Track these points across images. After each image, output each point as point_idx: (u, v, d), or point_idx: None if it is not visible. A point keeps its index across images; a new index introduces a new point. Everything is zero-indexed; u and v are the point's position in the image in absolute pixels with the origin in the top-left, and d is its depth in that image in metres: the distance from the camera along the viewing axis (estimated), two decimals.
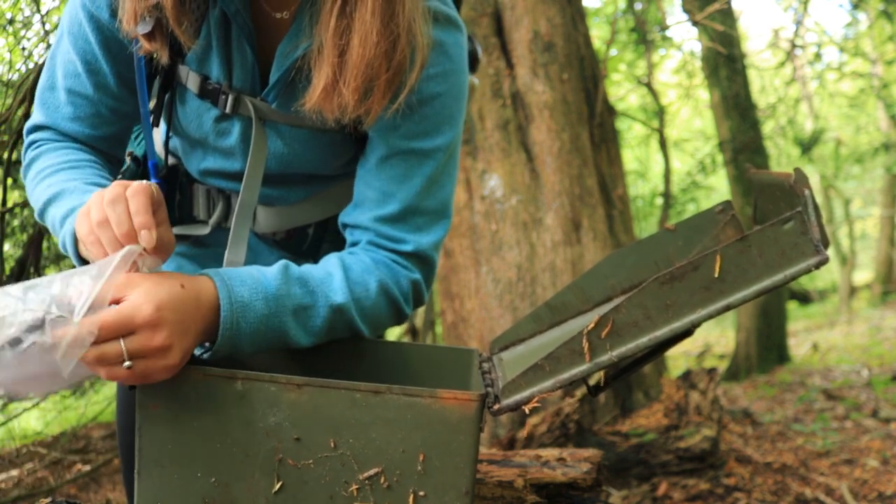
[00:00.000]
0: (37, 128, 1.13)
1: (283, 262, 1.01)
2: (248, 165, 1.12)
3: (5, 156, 2.57)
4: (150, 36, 1.01)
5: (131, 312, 0.80)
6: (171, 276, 0.87)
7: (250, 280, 0.95)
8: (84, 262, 0.96)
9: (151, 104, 1.22)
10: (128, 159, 1.23)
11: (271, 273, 0.98)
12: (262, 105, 1.10)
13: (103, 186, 1.01)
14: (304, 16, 1.04)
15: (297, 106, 1.02)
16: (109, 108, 1.11)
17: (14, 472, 3.14)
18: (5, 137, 2.52)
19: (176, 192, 1.25)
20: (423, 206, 1.11)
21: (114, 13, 1.03)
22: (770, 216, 0.92)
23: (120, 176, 1.21)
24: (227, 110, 1.09)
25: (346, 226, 1.15)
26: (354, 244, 1.13)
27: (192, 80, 1.10)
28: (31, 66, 2.81)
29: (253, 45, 1.06)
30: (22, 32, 2.93)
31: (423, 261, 1.14)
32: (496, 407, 0.91)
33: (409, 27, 0.98)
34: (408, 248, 1.11)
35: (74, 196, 1.00)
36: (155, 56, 1.06)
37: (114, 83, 1.10)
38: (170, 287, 0.84)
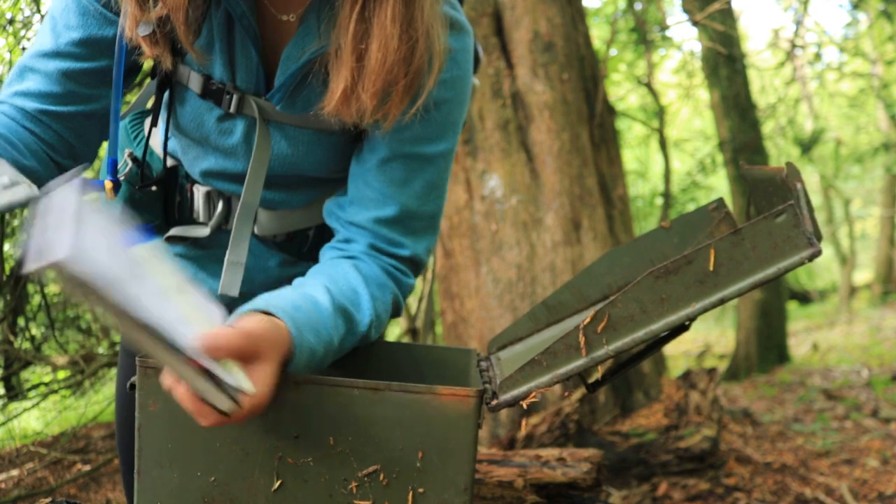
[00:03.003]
0: None
1: (327, 291, 1.00)
2: (251, 165, 1.11)
3: None
4: (152, 40, 1.00)
5: (257, 404, 0.80)
6: (274, 353, 0.84)
7: (320, 328, 0.94)
8: None
9: (149, 104, 1.21)
10: (128, 160, 1.22)
11: (326, 312, 0.97)
12: (266, 105, 1.10)
13: None
14: (311, 19, 1.04)
15: (317, 109, 1.02)
16: (69, 89, 1.07)
17: (14, 472, 3.14)
18: None
19: (175, 194, 1.25)
20: (420, 211, 1.12)
21: (106, 5, 1.03)
22: (764, 211, 0.92)
23: (122, 178, 1.21)
24: (232, 110, 1.09)
25: (338, 218, 1.15)
26: (347, 241, 1.13)
27: (194, 81, 1.09)
28: None
29: (258, 46, 1.06)
30: (22, 32, 2.93)
31: (416, 266, 1.16)
32: (494, 402, 0.91)
33: (428, 32, 0.99)
34: (406, 252, 1.12)
35: None
36: (159, 61, 1.04)
37: (84, 67, 1.06)
38: (277, 370, 0.84)
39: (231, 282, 1.17)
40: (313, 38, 1.04)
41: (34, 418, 3.83)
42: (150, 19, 0.98)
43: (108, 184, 1.12)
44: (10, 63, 2.93)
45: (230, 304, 1.21)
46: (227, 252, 1.15)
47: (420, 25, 0.97)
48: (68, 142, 1.11)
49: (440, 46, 1.02)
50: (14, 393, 3.60)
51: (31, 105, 1.06)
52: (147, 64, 1.14)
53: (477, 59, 1.32)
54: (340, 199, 1.15)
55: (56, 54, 1.05)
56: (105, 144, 1.15)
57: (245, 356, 0.80)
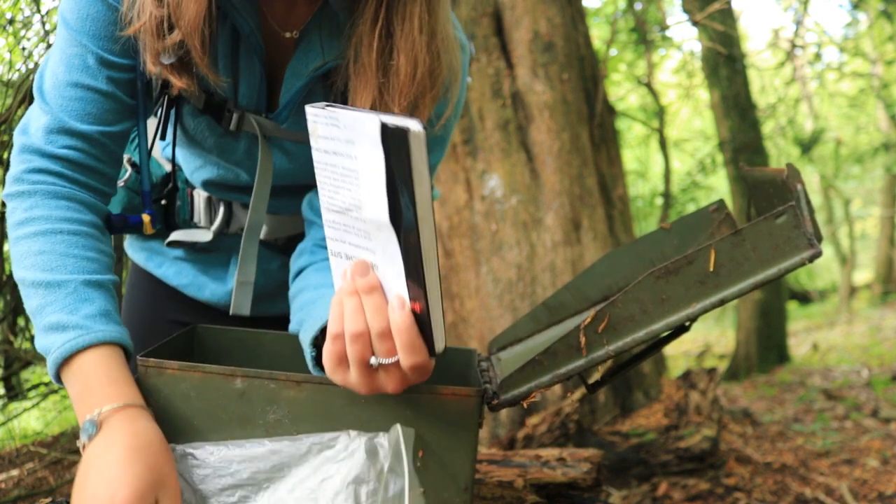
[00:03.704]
0: (49, 131, 1.00)
1: None
2: (256, 186, 1.12)
3: (5, 156, 2.58)
4: (178, 69, 0.98)
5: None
6: None
7: None
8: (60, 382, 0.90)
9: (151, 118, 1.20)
10: (128, 166, 1.22)
11: None
12: (266, 123, 1.09)
13: (101, 285, 0.94)
14: (313, 35, 1.04)
15: None
16: (123, 102, 1.03)
17: (14, 472, 3.14)
18: (5, 137, 2.52)
19: (175, 199, 1.25)
20: None
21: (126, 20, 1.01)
22: (765, 212, 0.92)
23: (122, 184, 1.20)
24: (232, 127, 1.09)
25: (320, 215, 1.14)
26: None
27: (196, 96, 1.09)
28: (31, 66, 2.81)
29: (263, 63, 1.06)
30: (22, 32, 2.93)
31: None
32: (495, 402, 0.91)
33: (447, 43, 1.00)
34: None
35: (67, 302, 0.91)
36: (188, 92, 1.02)
37: (127, 77, 1.02)
38: None
39: (242, 301, 1.19)
40: (316, 54, 1.04)
41: (34, 418, 3.83)
42: (166, 47, 0.96)
43: (147, 217, 1.13)
44: (11, 63, 2.93)
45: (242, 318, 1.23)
46: (237, 272, 1.18)
47: (441, 36, 0.99)
48: (121, 162, 1.09)
49: (458, 56, 1.04)
50: (14, 393, 3.60)
51: (93, 129, 1.01)
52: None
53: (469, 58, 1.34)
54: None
55: (100, 63, 1.00)
56: None
57: None
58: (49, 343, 0.89)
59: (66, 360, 0.89)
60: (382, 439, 0.84)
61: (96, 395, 0.86)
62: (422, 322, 0.76)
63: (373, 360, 0.78)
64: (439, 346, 0.76)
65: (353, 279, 0.78)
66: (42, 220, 0.96)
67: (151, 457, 0.82)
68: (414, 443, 0.86)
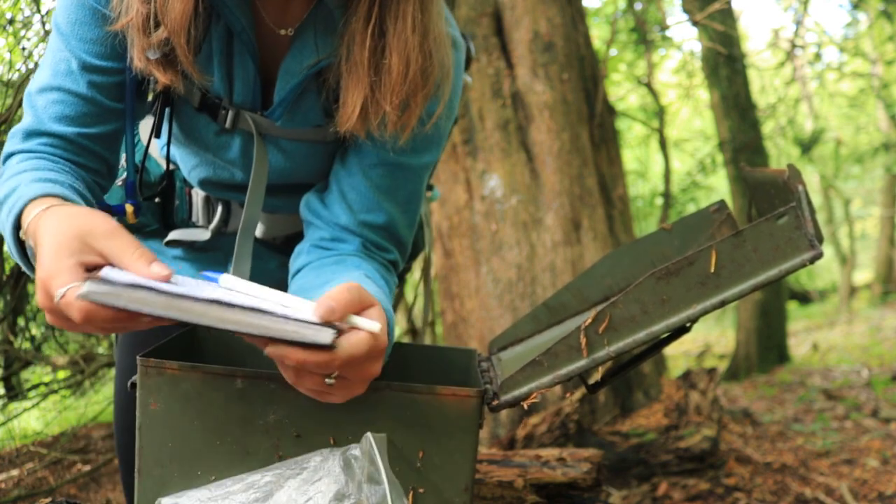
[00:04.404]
0: (27, 134, 1.03)
1: (367, 278, 1.02)
2: (251, 184, 1.12)
3: None
4: (163, 64, 0.99)
5: (383, 339, 0.81)
6: (377, 302, 0.86)
7: (388, 305, 0.98)
8: (22, 247, 0.92)
9: (149, 116, 1.20)
10: (125, 165, 1.22)
11: (384, 291, 1.02)
12: (262, 120, 1.10)
13: (55, 183, 0.96)
14: (307, 32, 1.04)
15: (334, 127, 1.03)
16: (103, 106, 1.04)
17: (14, 472, 3.14)
18: (5, 138, 2.52)
19: (173, 198, 1.25)
20: (403, 219, 1.15)
21: (114, 17, 1.01)
22: (766, 213, 0.92)
23: (120, 183, 1.20)
24: (227, 125, 1.09)
25: (318, 215, 1.15)
26: (334, 240, 1.13)
27: (192, 94, 1.09)
28: (31, 66, 2.81)
29: (256, 61, 1.06)
30: (22, 32, 2.93)
31: (397, 268, 1.19)
32: (495, 403, 0.91)
33: (441, 42, 1.01)
34: (392, 257, 1.16)
35: (22, 185, 0.93)
36: (173, 87, 1.02)
37: (112, 81, 1.04)
38: (384, 314, 0.85)
39: None
40: (311, 51, 1.04)
41: (34, 418, 3.83)
42: (152, 44, 0.97)
43: (130, 207, 1.14)
44: (11, 63, 2.93)
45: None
46: (231, 268, 1.17)
47: (433, 35, 0.99)
48: (107, 160, 1.10)
49: (449, 55, 1.04)
50: (14, 393, 3.60)
51: (69, 130, 1.03)
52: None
53: (469, 58, 1.34)
54: (322, 195, 1.16)
55: (83, 68, 1.02)
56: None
57: (357, 306, 0.81)
58: (6, 213, 0.91)
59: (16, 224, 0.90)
60: (355, 451, 0.85)
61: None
62: (297, 343, 0.77)
63: (328, 381, 0.80)
64: (322, 337, 0.76)
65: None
66: (18, 171, 0.98)
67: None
68: (388, 447, 0.87)
